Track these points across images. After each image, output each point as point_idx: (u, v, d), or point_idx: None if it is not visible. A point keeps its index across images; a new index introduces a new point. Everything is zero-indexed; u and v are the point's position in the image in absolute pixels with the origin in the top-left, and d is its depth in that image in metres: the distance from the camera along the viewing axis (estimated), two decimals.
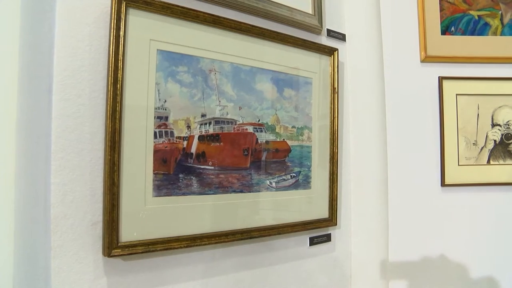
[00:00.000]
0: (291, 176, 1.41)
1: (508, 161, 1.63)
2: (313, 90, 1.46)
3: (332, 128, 1.51)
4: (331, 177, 1.51)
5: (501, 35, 1.62)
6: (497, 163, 1.63)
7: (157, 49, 1.11)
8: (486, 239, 1.61)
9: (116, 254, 1.02)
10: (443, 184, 1.62)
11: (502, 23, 1.63)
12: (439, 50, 1.63)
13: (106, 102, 1.02)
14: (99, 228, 1.04)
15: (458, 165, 1.63)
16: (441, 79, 1.62)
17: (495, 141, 1.63)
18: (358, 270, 1.62)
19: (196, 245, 1.15)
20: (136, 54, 1.06)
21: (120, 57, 1.03)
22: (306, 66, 1.45)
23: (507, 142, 1.63)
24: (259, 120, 1.32)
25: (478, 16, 1.63)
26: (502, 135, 1.63)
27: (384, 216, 1.59)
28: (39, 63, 0.98)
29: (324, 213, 1.50)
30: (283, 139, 1.38)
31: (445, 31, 1.63)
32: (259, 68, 1.32)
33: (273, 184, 1.36)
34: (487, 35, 1.63)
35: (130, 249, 1.04)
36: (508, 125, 1.63)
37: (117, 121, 1.02)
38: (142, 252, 1.06)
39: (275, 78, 1.36)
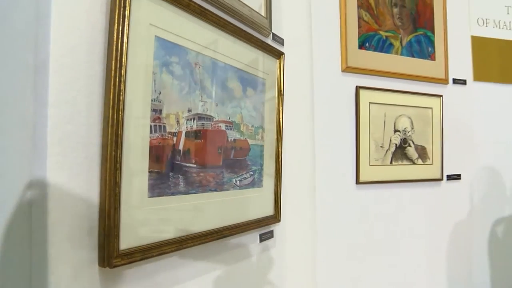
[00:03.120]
0: (249, 174, 1.49)
1: (405, 162, 2.05)
2: (266, 91, 1.58)
3: (278, 129, 1.65)
4: (276, 175, 1.65)
5: (400, 55, 2.04)
6: (397, 163, 2.03)
7: (155, 35, 1.07)
8: (393, 226, 1.99)
9: (118, 264, 0.95)
10: (357, 182, 1.93)
11: (401, 44, 2.05)
12: (356, 62, 1.93)
13: (109, 90, 0.94)
14: (95, 236, 0.95)
15: (369, 165, 1.96)
16: (358, 88, 1.93)
17: (396, 144, 2.03)
18: (292, 263, 1.79)
19: (183, 248, 1.15)
20: (137, 38, 1.00)
21: (126, 39, 0.97)
22: (262, 67, 1.55)
23: (404, 146, 2.04)
24: (229, 118, 1.37)
25: (386, 36, 2.01)
26: (401, 140, 2.04)
27: (312, 211, 1.82)
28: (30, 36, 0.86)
29: (270, 211, 1.63)
30: (245, 138, 1.46)
31: (361, 46, 1.95)
32: (230, 66, 1.37)
33: (238, 183, 1.41)
34: (391, 53, 2.01)
35: (129, 257, 0.98)
36: (405, 131, 2.05)
37: (120, 112, 0.96)
38: (139, 260, 1.01)
39: (241, 76, 1.42)
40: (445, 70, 2.07)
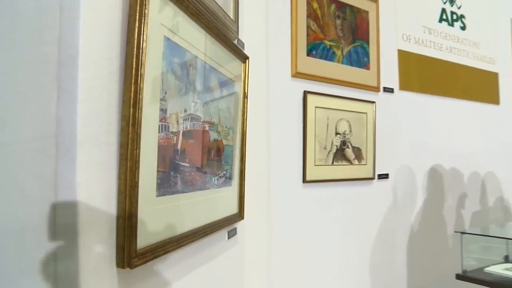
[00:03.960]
0: (223, 173, 1.54)
1: (344, 162, 2.26)
2: (234, 93, 1.65)
3: (242, 130, 1.73)
4: (241, 175, 1.72)
5: (341, 63, 2.25)
6: (338, 163, 2.23)
7: (163, 35, 1.08)
8: (336, 220, 2.19)
9: (137, 264, 0.96)
10: (304, 180, 2.10)
11: (342, 54, 2.26)
12: (304, 68, 2.09)
13: (129, 88, 0.95)
14: (113, 236, 0.94)
15: (315, 165, 2.14)
16: (305, 93, 2.09)
17: (336, 146, 2.23)
18: (251, 258, 1.88)
19: (181, 246, 1.18)
20: (152, 37, 1.02)
21: (145, 37, 0.98)
22: (234, 70, 1.62)
23: (343, 147, 2.26)
24: (211, 119, 1.42)
25: (329, 45, 2.20)
26: (341, 141, 2.25)
27: (267, 209, 1.94)
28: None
29: (236, 208, 1.70)
30: (221, 138, 1.52)
31: (309, 53, 2.11)
32: (211, 67, 1.41)
33: (216, 182, 1.46)
34: (334, 61, 2.21)
35: (143, 257, 0.99)
36: (345, 134, 2.26)
37: (139, 111, 0.96)
38: (152, 259, 1.02)
39: (219, 77, 1.47)
40: (377, 79, 2.34)
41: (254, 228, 1.85)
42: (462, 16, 2.77)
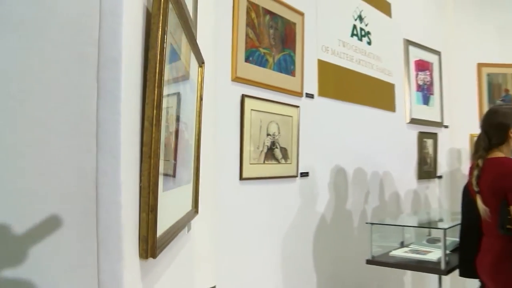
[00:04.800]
0: (189, 171, 1.66)
1: (273, 161, 2.49)
2: (195, 94, 1.76)
3: (198, 130, 1.85)
4: (197, 172, 1.85)
5: (272, 70, 2.48)
6: (268, 162, 2.46)
7: (170, 41, 1.18)
8: (267, 214, 2.42)
9: (157, 254, 1.06)
10: (241, 178, 2.29)
11: (273, 61, 2.50)
12: (242, 73, 2.28)
13: (152, 90, 1.04)
14: (136, 229, 1.03)
15: (250, 163, 2.34)
16: (243, 96, 2.29)
17: (267, 146, 2.46)
18: (201, 251, 2.01)
19: (174, 238, 1.29)
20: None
21: (166, 44, 1.08)
22: (193, 71, 1.74)
23: (273, 147, 2.50)
24: (185, 119, 1.53)
25: (263, 52, 2.42)
26: (271, 142, 2.49)
27: (214, 202, 2.10)
28: None
29: (193, 204, 1.82)
30: (187, 138, 1.63)
31: (247, 59, 2.31)
32: (186, 71, 1.53)
33: (186, 178, 1.59)
34: (267, 68, 2.44)
35: (159, 247, 1.09)
36: (274, 135, 2.50)
37: (161, 111, 1.07)
38: (162, 250, 1.13)
39: (190, 80, 1.60)
40: (301, 85, 2.62)
41: (204, 222, 1.99)
42: (368, 33, 3.21)
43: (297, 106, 2.60)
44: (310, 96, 2.70)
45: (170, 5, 1.14)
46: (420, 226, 2.99)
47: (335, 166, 2.92)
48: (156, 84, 1.05)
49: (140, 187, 1.05)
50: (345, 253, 2.94)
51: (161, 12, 1.07)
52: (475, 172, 2.15)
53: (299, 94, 2.62)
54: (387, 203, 3.36)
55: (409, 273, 3.48)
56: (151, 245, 1.04)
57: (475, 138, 2.57)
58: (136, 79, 1.03)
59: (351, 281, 2.98)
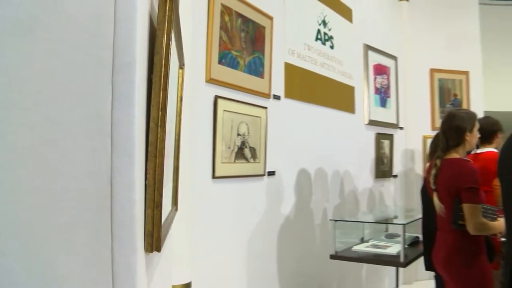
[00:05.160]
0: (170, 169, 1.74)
1: (243, 161, 2.60)
2: (174, 95, 1.84)
3: (176, 130, 1.92)
4: (176, 171, 1.92)
5: (243, 72, 2.59)
6: (239, 161, 2.57)
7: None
8: (237, 211, 2.52)
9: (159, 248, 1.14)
10: (213, 177, 2.38)
11: (244, 63, 2.60)
12: (216, 75, 2.37)
13: (158, 93, 1.12)
14: (141, 225, 1.10)
15: (221, 162, 2.43)
16: (216, 97, 2.38)
17: (238, 146, 2.56)
18: (177, 248, 2.08)
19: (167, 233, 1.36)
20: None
21: (171, 49, 1.16)
22: (174, 74, 1.81)
23: (242, 147, 2.60)
24: (170, 119, 1.60)
25: (235, 55, 2.52)
26: (241, 142, 2.59)
27: (189, 200, 2.18)
28: None
29: (171, 202, 1.89)
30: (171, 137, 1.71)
31: (220, 61, 2.40)
32: (172, 71, 1.60)
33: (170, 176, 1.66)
34: (238, 70, 2.54)
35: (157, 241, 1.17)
36: (244, 135, 2.61)
37: (166, 113, 1.15)
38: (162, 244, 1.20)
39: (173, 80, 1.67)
40: (269, 87, 2.75)
41: (180, 220, 2.07)
42: (331, 37, 3.38)
43: (265, 107, 2.71)
44: (277, 97, 2.83)
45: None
46: (382, 222, 3.21)
47: (299, 166, 3.06)
48: (162, 87, 1.14)
49: (146, 184, 1.13)
50: (308, 249, 3.10)
51: (166, 19, 1.15)
52: (433, 171, 2.34)
53: (267, 96, 2.74)
54: (346, 201, 3.56)
55: (365, 266, 3.70)
56: (156, 239, 1.12)
57: (431, 139, 2.81)
58: (143, 82, 1.11)
59: (314, 276, 3.15)
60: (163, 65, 1.14)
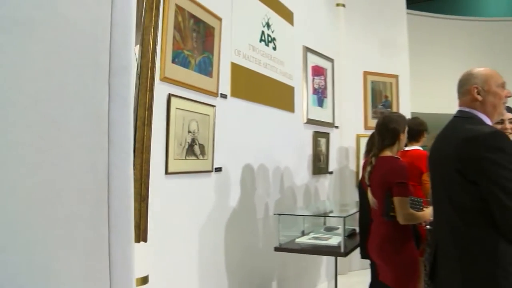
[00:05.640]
0: None
1: (193, 157, 2.71)
2: None
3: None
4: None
5: (194, 71, 2.70)
6: (189, 158, 2.68)
7: None
8: (190, 207, 2.63)
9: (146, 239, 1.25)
10: (166, 172, 2.48)
11: (195, 63, 2.71)
12: (169, 74, 2.47)
13: (145, 94, 1.23)
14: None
15: (174, 159, 2.54)
16: (170, 95, 2.48)
17: (188, 143, 2.68)
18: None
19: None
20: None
21: (156, 53, 1.26)
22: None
23: (193, 144, 2.72)
24: None
25: (187, 54, 2.62)
26: (191, 139, 2.70)
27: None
28: None
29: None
30: None
31: (173, 60, 2.50)
32: None
33: None
34: (189, 69, 2.64)
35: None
36: (194, 133, 2.72)
37: (151, 113, 1.26)
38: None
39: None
40: (217, 86, 2.88)
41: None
42: (274, 39, 3.57)
43: (214, 106, 2.85)
44: (224, 96, 2.97)
45: None
46: (325, 215, 3.48)
47: (244, 162, 3.23)
48: (148, 88, 1.25)
49: (133, 179, 1.24)
50: (252, 242, 3.28)
51: (153, 25, 1.27)
52: (368, 168, 2.61)
53: (215, 95, 2.87)
54: (285, 196, 3.78)
55: (303, 258, 3.96)
56: (143, 230, 1.24)
57: (367, 138, 3.11)
58: (133, 84, 1.22)
59: (258, 268, 3.34)
60: (150, 68, 1.25)
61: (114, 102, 1.11)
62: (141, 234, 1.23)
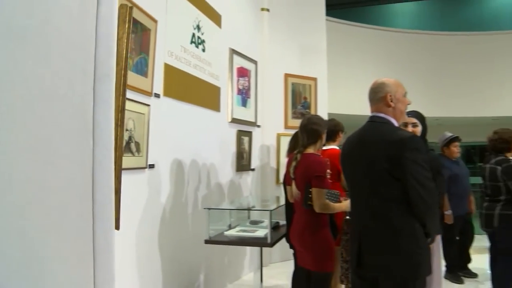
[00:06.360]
0: None
1: (129, 154, 2.85)
2: None
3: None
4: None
5: (131, 71, 2.83)
6: (127, 155, 2.81)
7: None
8: (128, 202, 2.76)
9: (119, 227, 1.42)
10: None
11: (132, 63, 2.84)
12: None
13: (118, 98, 1.40)
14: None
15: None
16: None
17: (126, 140, 2.81)
18: None
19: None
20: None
21: (129, 61, 1.43)
22: None
23: (129, 141, 2.85)
24: None
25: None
26: (128, 137, 2.84)
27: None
28: None
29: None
30: None
31: None
32: None
33: None
34: (128, 70, 2.78)
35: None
36: (130, 131, 2.86)
37: (124, 115, 1.43)
38: None
39: None
40: (151, 86, 3.04)
41: None
42: (203, 41, 3.77)
43: (148, 105, 3.01)
44: (157, 96, 3.14)
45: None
46: (255, 209, 3.76)
47: (174, 159, 3.41)
48: (121, 93, 1.44)
49: None
50: (182, 236, 3.47)
51: (126, 36, 1.45)
52: (293, 163, 2.93)
53: (149, 94, 3.02)
54: (212, 191, 4.01)
55: (229, 251, 4.24)
56: (116, 219, 1.42)
57: (290, 137, 3.43)
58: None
59: (188, 261, 3.55)
60: (122, 75, 1.44)
61: (98, 105, 1.28)
62: (114, 223, 1.41)
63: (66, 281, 1.22)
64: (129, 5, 1.52)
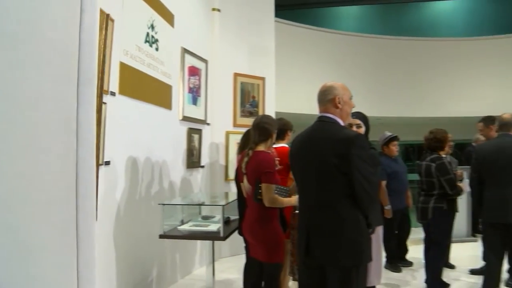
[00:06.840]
0: None
1: None
2: None
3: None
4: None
5: None
6: None
7: None
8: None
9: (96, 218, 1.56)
10: None
11: None
12: None
13: (96, 99, 1.53)
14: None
15: None
16: None
17: None
18: None
19: None
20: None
21: (107, 66, 1.57)
22: None
23: None
24: None
25: None
26: None
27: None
28: None
29: None
30: None
31: None
32: None
33: None
34: None
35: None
36: None
37: (101, 115, 1.56)
38: None
39: None
40: (107, 84, 3.13)
41: None
42: (157, 40, 3.87)
43: (105, 103, 3.10)
44: (113, 94, 3.23)
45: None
46: (207, 204, 3.95)
47: (129, 156, 3.51)
48: (98, 95, 1.58)
49: None
50: (136, 232, 3.59)
51: (103, 42, 1.59)
52: (245, 159, 3.11)
53: (105, 92, 3.11)
54: (164, 188, 4.14)
55: (179, 247, 4.38)
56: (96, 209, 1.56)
57: (241, 135, 3.63)
58: None
59: (142, 255, 3.67)
60: (99, 78, 1.58)
61: (81, 107, 1.43)
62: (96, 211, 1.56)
63: (52, 267, 1.36)
64: (106, 12, 1.66)
